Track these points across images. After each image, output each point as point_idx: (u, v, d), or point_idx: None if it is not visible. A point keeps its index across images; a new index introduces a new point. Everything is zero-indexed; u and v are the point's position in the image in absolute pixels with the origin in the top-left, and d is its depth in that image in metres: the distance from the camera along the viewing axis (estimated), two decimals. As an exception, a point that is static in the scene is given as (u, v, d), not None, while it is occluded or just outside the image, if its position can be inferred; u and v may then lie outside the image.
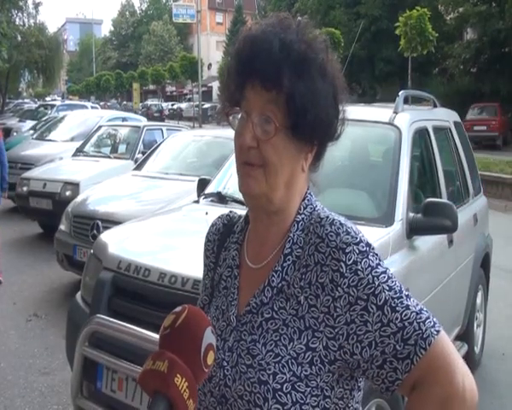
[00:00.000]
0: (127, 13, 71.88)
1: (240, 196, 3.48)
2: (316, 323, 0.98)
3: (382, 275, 0.97)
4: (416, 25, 19.54)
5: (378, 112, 3.99)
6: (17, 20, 34.64)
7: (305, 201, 1.06)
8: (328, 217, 1.01)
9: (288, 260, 1.02)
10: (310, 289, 0.99)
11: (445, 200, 3.39)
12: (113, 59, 68.74)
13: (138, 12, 73.06)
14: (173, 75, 41.73)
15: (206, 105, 38.84)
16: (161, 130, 9.17)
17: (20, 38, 33.66)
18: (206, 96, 46.98)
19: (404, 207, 2.97)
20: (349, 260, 0.97)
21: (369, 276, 0.96)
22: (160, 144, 7.44)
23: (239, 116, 1.03)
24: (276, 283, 1.02)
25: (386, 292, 0.96)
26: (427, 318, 0.96)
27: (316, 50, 1.01)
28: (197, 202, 3.72)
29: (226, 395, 1.01)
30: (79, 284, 3.35)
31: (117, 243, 3.09)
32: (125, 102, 53.85)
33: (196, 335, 0.88)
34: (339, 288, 0.97)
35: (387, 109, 3.59)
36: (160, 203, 5.33)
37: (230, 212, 1.21)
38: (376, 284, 0.96)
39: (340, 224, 1.00)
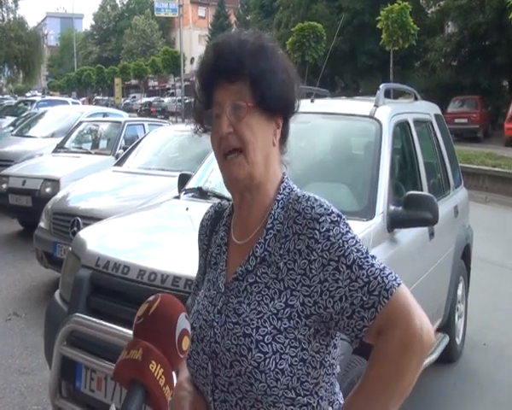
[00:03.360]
0: (108, 7, 71.06)
1: (221, 192, 3.43)
2: (294, 283, 1.12)
3: (351, 240, 1.12)
4: (398, 18, 19.66)
5: (359, 105, 3.99)
6: (-4, 14, 34.12)
7: (284, 183, 1.21)
8: (304, 195, 1.16)
9: (270, 233, 1.17)
10: (288, 255, 1.13)
11: (425, 192, 3.39)
12: (95, 54, 67.98)
13: (120, 6, 72.24)
14: (155, 70, 41.46)
15: (189, 100, 38.56)
16: (143, 125, 9.07)
17: (-1, 33, 33.15)
18: (189, 90, 46.68)
19: (384, 200, 2.97)
20: (322, 228, 1.11)
21: (340, 241, 1.11)
22: (141, 140, 7.37)
23: (212, 118, 1.18)
24: (259, 253, 1.16)
25: (355, 253, 1.10)
26: (390, 273, 1.10)
27: (266, 41, 1.20)
28: (178, 197, 3.68)
29: (216, 351, 1.15)
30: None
31: (96, 239, 3.05)
32: (107, 98, 53.32)
33: (170, 321, 0.90)
34: (314, 252, 1.11)
35: (368, 103, 3.58)
36: (142, 199, 5.29)
37: (222, 200, 1.37)
38: (346, 247, 1.10)
39: (315, 199, 1.15)
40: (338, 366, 1.21)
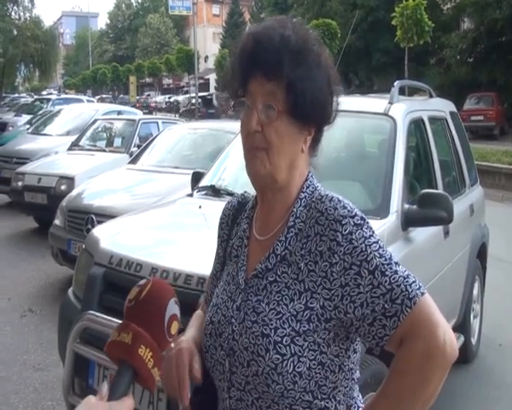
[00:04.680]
0: (123, 5, 71.41)
1: (234, 189, 3.43)
2: (314, 285, 1.10)
3: (374, 244, 1.09)
4: (413, 15, 19.48)
5: (373, 103, 3.95)
6: (13, 13, 34.47)
7: (308, 181, 1.19)
8: (327, 195, 1.14)
9: (291, 231, 1.15)
10: (309, 256, 1.11)
11: (440, 191, 3.35)
12: (110, 52, 68.36)
13: (134, 4, 72.56)
14: (170, 68, 41.56)
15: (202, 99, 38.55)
16: (157, 123, 9.11)
17: (15, 32, 33.48)
18: (203, 88, 46.80)
19: (399, 198, 2.94)
20: (345, 230, 1.09)
21: (363, 245, 1.08)
22: (155, 137, 7.39)
23: (243, 107, 1.15)
24: (280, 251, 1.15)
25: (378, 259, 1.07)
26: (414, 281, 1.07)
27: (310, 43, 1.14)
28: (191, 195, 3.68)
29: (234, 348, 1.13)
30: (73, 279, 3.31)
31: (109, 237, 3.05)
32: (121, 96, 53.59)
33: (160, 306, 0.93)
34: (335, 255, 1.08)
35: (383, 100, 3.55)
36: (155, 197, 5.30)
37: (245, 192, 1.35)
38: (369, 251, 1.07)
39: (338, 200, 1.12)
40: (358, 371, 1.19)
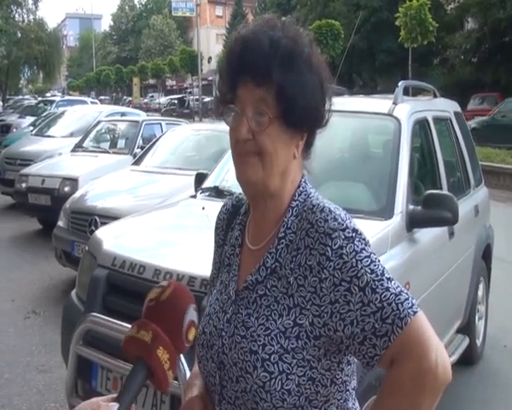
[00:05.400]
0: (127, 7, 71.52)
1: (236, 190, 3.43)
2: (303, 301, 1.06)
3: (365, 259, 1.04)
4: (416, 15, 19.40)
5: (377, 103, 3.94)
6: (16, 16, 34.55)
7: (300, 188, 1.14)
8: (319, 204, 1.09)
9: (282, 243, 1.11)
10: (299, 270, 1.07)
11: (445, 192, 3.33)
12: (113, 54, 68.48)
13: (138, 6, 72.69)
14: (173, 69, 41.57)
15: (207, 99, 38.77)
16: (160, 124, 9.10)
17: (19, 34, 33.57)
18: (207, 89, 46.80)
19: (403, 199, 2.92)
20: (335, 244, 1.04)
21: (353, 260, 1.03)
22: (158, 139, 7.39)
23: (232, 114, 1.11)
24: (270, 263, 1.11)
25: (368, 275, 1.02)
26: (406, 299, 1.02)
27: (301, 45, 1.10)
28: (194, 196, 3.67)
29: (224, 362, 1.11)
30: (76, 280, 3.30)
31: (112, 239, 3.05)
32: (125, 97, 53.68)
33: (180, 310, 0.94)
34: (325, 270, 1.04)
35: (387, 100, 3.53)
36: (159, 198, 5.29)
37: (240, 194, 1.28)
38: (359, 267, 1.03)
39: (330, 211, 1.07)
40: (354, 381, 1.16)
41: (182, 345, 0.94)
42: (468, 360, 4.02)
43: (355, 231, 1.06)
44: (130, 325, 2.41)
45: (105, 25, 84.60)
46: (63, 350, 3.00)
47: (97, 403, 0.85)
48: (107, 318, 2.40)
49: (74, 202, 6.03)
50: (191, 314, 0.95)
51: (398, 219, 2.85)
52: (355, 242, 1.05)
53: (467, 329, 3.98)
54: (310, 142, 1.15)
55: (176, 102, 39.79)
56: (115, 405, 0.86)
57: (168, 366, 0.91)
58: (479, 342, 4.31)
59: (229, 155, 3.93)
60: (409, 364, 1.00)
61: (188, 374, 1.98)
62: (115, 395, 0.89)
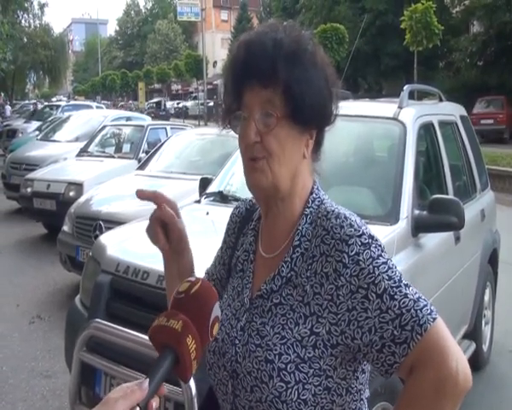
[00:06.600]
0: (132, 12, 71.80)
1: (241, 195, 3.39)
2: (320, 309, 1.04)
3: (383, 265, 1.03)
4: (422, 18, 19.41)
5: (382, 107, 3.91)
6: (23, 21, 34.79)
7: (313, 194, 1.13)
8: (334, 211, 1.08)
9: (297, 251, 1.09)
10: (315, 278, 1.06)
11: (451, 196, 3.31)
12: (119, 58, 68.73)
13: (143, 11, 72.93)
14: (178, 74, 41.71)
15: (212, 103, 38.90)
16: (165, 129, 9.11)
17: (25, 40, 33.79)
18: (212, 93, 46.91)
19: (409, 204, 2.90)
20: (351, 251, 1.03)
21: (370, 266, 1.02)
22: (163, 143, 7.39)
23: (240, 121, 1.11)
24: (285, 273, 1.09)
25: (386, 281, 1.01)
26: (425, 306, 1.01)
27: (304, 44, 1.10)
28: (198, 201, 3.66)
29: (237, 371, 1.10)
30: (80, 286, 3.29)
31: (115, 244, 3.04)
32: (130, 102, 53.81)
33: (208, 304, 0.96)
34: (341, 277, 1.03)
35: (392, 104, 3.51)
36: (163, 203, 5.27)
37: (252, 198, 1.26)
38: (376, 273, 1.02)
39: (345, 217, 1.06)
40: (367, 390, 1.14)
41: (206, 338, 0.96)
42: (474, 366, 3.97)
43: (371, 237, 1.05)
44: (133, 332, 2.39)
45: (111, 30, 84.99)
46: (67, 356, 2.99)
47: (132, 387, 0.84)
48: (110, 324, 2.39)
49: (79, 206, 6.03)
50: (216, 310, 0.97)
51: (403, 224, 2.82)
52: (371, 248, 1.03)
53: (473, 334, 3.95)
54: (319, 141, 1.14)
55: (154, 105, 44.32)
56: (147, 381, 0.87)
57: (194, 355, 0.92)
58: (485, 347, 4.27)
59: (233, 159, 3.92)
60: (429, 371, 0.98)
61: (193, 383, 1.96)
62: (142, 380, 0.89)
